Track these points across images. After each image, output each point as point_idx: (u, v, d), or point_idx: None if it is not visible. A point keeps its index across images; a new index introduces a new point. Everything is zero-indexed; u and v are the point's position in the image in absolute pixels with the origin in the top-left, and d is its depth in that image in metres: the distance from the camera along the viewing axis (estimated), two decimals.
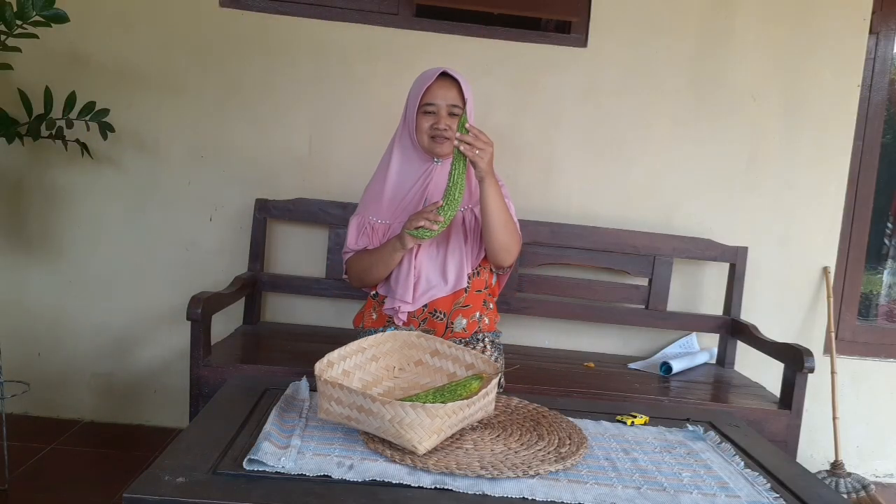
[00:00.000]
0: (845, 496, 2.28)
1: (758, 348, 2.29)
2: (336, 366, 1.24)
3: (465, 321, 1.67)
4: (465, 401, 1.09)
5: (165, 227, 2.48)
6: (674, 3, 2.47)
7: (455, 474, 1.01)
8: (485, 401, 1.16)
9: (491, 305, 1.77)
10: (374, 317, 1.75)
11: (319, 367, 1.18)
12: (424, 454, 1.05)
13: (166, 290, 2.48)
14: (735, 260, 2.47)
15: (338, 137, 2.48)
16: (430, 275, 1.66)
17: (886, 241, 2.85)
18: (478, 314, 1.70)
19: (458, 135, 1.47)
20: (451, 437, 1.14)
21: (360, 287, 1.77)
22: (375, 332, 1.59)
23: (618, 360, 2.46)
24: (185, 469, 0.97)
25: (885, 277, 2.87)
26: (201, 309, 1.87)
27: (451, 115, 1.65)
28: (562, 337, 2.58)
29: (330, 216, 2.39)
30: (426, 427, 1.03)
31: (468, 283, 1.68)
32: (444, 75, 1.65)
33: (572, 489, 1.01)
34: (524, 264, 2.42)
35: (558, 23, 2.55)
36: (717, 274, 2.57)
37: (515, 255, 1.69)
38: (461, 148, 1.47)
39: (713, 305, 2.58)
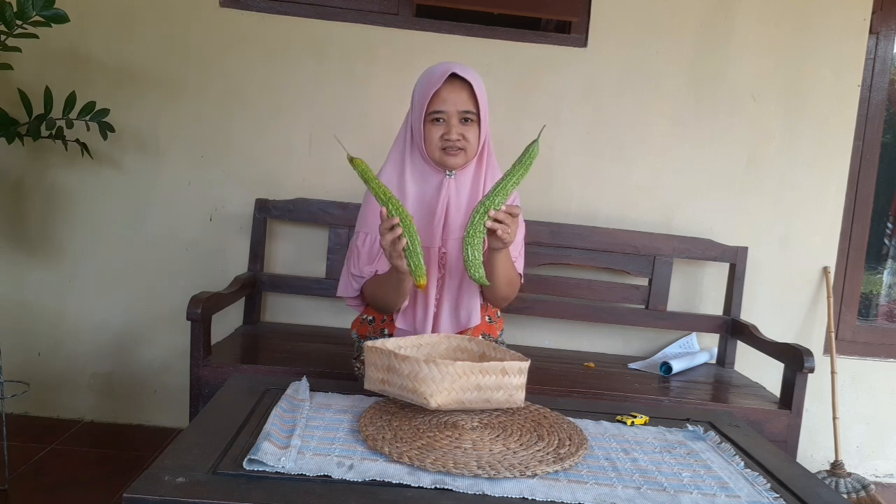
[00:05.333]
0: (845, 496, 2.28)
1: (758, 348, 2.29)
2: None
3: None
4: (478, 364, 1.16)
5: (165, 227, 2.48)
6: (674, 3, 2.47)
7: (453, 473, 1.01)
8: (505, 379, 1.19)
9: (499, 314, 1.72)
10: (372, 332, 1.67)
11: (370, 343, 1.28)
12: (424, 455, 1.06)
13: (166, 290, 2.48)
14: (735, 260, 2.47)
15: (338, 137, 2.48)
16: (448, 312, 1.56)
17: (886, 241, 2.85)
18: (483, 334, 1.65)
19: (492, 212, 1.33)
20: (451, 437, 1.14)
21: (380, 312, 1.63)
22: (374, 338, 1.57)
23: (618, 360, 2.46)
24: (185, 469, 0.97)
25: (885, 277, 2.87)
26: (201, 309, 1.87)
27: (464, 121, 1.47)
28: (562, 337, 2.58)
29: (330, 216, 2.39)
30: (437, 381, 1.13)
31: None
32: (453, 76, 1.46)
33: (572, 489, 1.01)
34: (524, 264, 2.42)
35: (558, 23, 2.56)
36: (717, 274, 2.57)
37: (512, 299, 1.61)
38: (498, 231, 1.34)
39: (713, 305, 2.58)
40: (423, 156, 1.53)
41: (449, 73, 1.45)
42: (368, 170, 1.35)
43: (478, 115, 1.48)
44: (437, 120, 1.47)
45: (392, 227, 1.31)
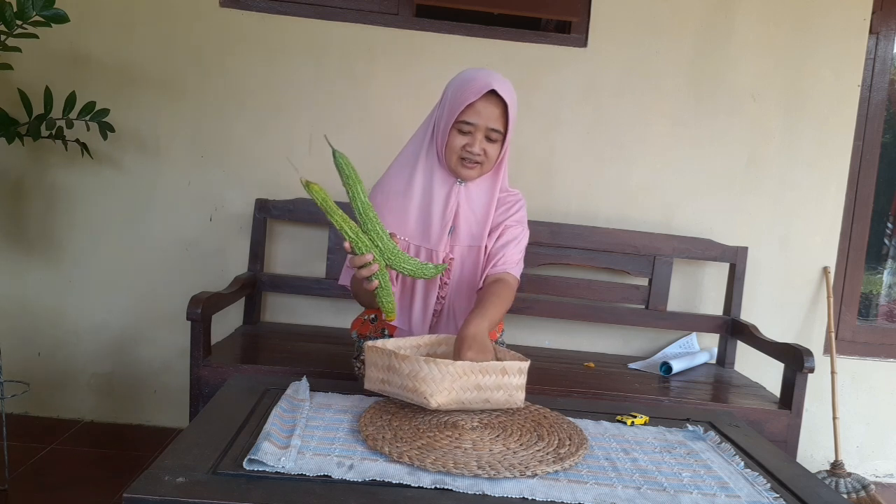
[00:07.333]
0: (845, 496, 2.28)
1: (758, 348, 2.29)
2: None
3: None
4: (478, 363, 1.16)
5: (165, 227, 2.48)
6: (674, 3, 2.47)
7: (453, 473, 1.01)
8: (505, 379, 1.19)
9: None
10: (373, 331, 1.66)
11: (371, 343, 1.29)
12: (424, 455, 1.06)
13: (166, 290, 2.48)
14: (735, 260, 2.47)
15: (338, 137, 2.48)
16: (446, 317, 1.56)
17: (886, 241, 2.85)
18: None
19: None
20: (451, 437, 1.14)
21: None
22: (374, 338, 1.57)
23: (618, 360, 2.46)
24: (185, 469, 0.97)
25: (885, 277, 2.87)
26: (201, 309, 1.87)
27: (488, 139, 1.46)
28: (562, 337, 2.58)
29: None
30: (437, 381, 1.13)
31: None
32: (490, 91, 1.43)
33: (572, 489, 1.01)
34: (524, 265, 2.41)
35: (558, 23, 2.56)
36: (717, 274, 2.57)
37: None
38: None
39: (713, 305, 2.58)
40: (440, 161, 1.52)
41: (489, 88, 1.42)
42: (328, 198, 1.25)
43: (504, 134, 1.48)
44: (465, 132, 1.46)
45: (365, 265, 1.30)
